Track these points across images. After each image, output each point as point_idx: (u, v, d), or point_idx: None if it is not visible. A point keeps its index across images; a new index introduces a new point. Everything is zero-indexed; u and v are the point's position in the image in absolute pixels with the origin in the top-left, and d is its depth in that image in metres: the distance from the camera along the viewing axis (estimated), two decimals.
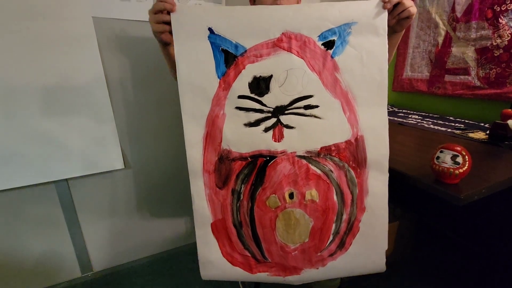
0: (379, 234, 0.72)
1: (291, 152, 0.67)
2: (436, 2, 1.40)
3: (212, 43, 0.62)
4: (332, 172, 0.69)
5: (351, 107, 0.66)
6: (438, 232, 1.38)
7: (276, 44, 0.63)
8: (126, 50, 1.12)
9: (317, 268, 0.74)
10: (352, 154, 0.68)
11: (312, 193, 0.69)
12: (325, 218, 0.71)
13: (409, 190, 0.71)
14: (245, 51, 0.63)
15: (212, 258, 0.73)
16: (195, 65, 0.63)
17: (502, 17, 1.15)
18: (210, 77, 0.63)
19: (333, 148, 0.68)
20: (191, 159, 0.68)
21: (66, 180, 1.15)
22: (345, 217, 0.71)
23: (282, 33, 0.62)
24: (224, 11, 0.63)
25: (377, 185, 0.69)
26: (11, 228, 1.12)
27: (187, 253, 1.46)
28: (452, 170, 0.62)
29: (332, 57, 0.64)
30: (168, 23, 0.62)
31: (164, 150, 1.30)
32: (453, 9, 1.33)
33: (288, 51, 0.63)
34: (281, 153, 0.67)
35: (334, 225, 0.71)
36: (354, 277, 1.09)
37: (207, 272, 0.74)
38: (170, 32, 0.63)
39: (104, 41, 1.06)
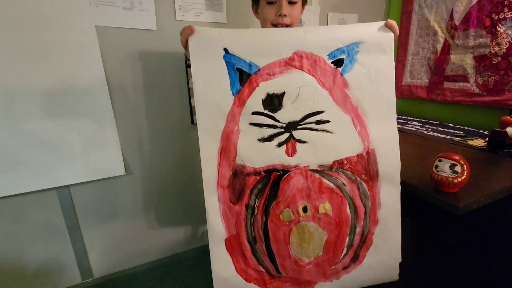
0: (392, 246, 0.72)
1: (304, 166, 0.68)
2: (435, 10, 1.42)
3: (227, 62, 0.64)
4: (345, 185, 0.69)
5: (361, 122, 0.68)
6: (438, 239, 1.38)
7: (288, 63, 0.65)
8: (128, 58, 1.13)
9: (331, 281, 0.73)
10: (364, 167, 0.69)
11: (325, 207, 0.70)
12: (339, 231, 0.71)
13: (409, 196, 0.71)
14: (259, 69, 0.65)
15: (226, 275, 0.71)
16: (210, 83, 0.65)
17: (500, 25, 1.17)
18: (225, 95, 0.65)
19: (345, 161, 0.69)
20: (206, 174, 0.67)
21: (68, 186, 1.16)
22: (358, 230, 0.71)
23: (294, 52, 0.65)
24: (239, 33, 0.66)
25: (389, 197, 0.70)
26: (12, 234, 1.12)
27: (187, 259, 1.46)
28: (450, 179, 0.63)
29: (341, 74, 0.66)
30: None
31: (165, 156, 1.31)
32: (451, 17, 1.34)
33: (299, 69, 0.66)
34: (294, 167, 0.68)
35: (348, 238, 0.72)
36: None
37: None
38: None
39: (107, 49, 1.08)
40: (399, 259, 0.73)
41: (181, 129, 1.31)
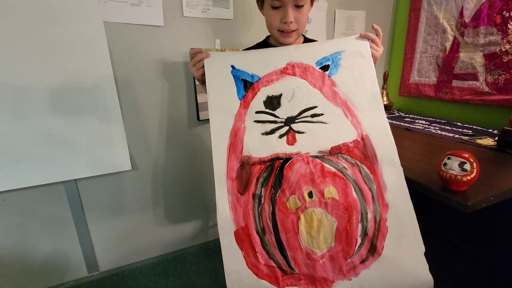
0: (411, 233, 0.68)
1: (305, 153, 0.74)
2: (444, 8, 1.40)
3: (234, 76, 0.80)
4: (346, 169, 0.73)
5: (352, 112, 0.76)
6: (445, 239, 1.37)
7: (283, 72, 0.79)
8: (135, 53, 1.14)
9: (350, 279, 0.70)
10: (362, 152, 0.73)
11: (330, 190, 0.72)
12: (349, 217, 0.70)
13: (415, 195, 0.71)
14: (259, 78, 0.79)
15: (238, 269, 0.71)
16: (221, 92, 0.80)
17: (511, 22, 1.15)
18: (232, 99, 0.79)
19: (342, 147, 0.74)
20: (217, 167, 0.76)
21: (75, 180, 1.17)
22: (370, 215, 0.70)
23: (287, 63, 0.79)
24: (242, 53, 0.86)
25: (393, 179, 0.71)
26: (20, 227, 1.14)
27: (192, 254, 1.47)
28: (459, 177, 0.62)
29: (329, 76, 0.78)
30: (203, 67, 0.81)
31: (171, 152, 1.32)
32: (461, 15, 1.32)
33: (293, 75, 0.78)
34: (296, 154, 0.75)
35: (360, 226, 0.70)
36: None
37: (233, 285, 0.72)
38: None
39: (114, 44, 1.09)
40: (423, 249, 0.68)
41: (188, 125, 1.31)
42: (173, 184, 1.37)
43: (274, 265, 0.72)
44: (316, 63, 0.79)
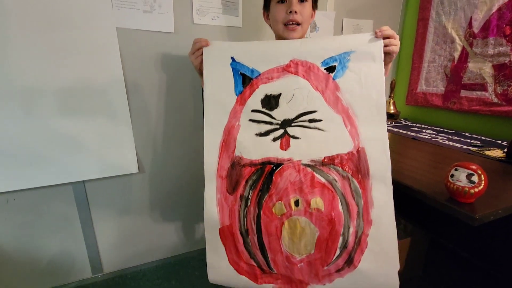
0: (389, 251, 0.70)
1: (297, 160, 0.73)
2: (453, 18, 1.40)
3: (233, 69, 0.75)
4: (336, 181, 0.71)
5: (351, 122, 0.72)
6: (451, 251, 1.34)
7: (285, 69, 0.74)
8: (145, 59, 1.17)
9: (324, 284, 0.73)
10: (355, 165, 0.71)
11: (317, 201, 0.71)
12: (331, 229, 0.71)
13: (421, 206, 0.70)
14: (259, 74, 0.75)
15: (220, 264, 0.76)
16: (218, 85, 0.76)
17: None
18: (229, 95, 0.75)
19: (336, 158, 0.72)
20: (208, 164, 0.76)
21: (83, 182, 1.19)
22: (352, 230, 0.70)
23: (290, 60, 0.74)
24: (244, 45, 0.77)
25: (381, 197, 0.70)
26: (28, 226, 1.16)
27: (195, 259, 1.47)
28: (467, 189, 0.61)
29: (333, 79, 0.73)
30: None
31: (178, 156, 1.33)
32: (470, 25, 1.32)
33: (295, 74, 0.74)
34: (288, 160, 0.73)
35: (341, 238, 0.71)
36: None
37: (214, 276, 0.78)
38: None
39: (126, 49, 1.11)
40: (397, 267, 0.70)
41: (195, 129, 1.33)
42: (179, 187, 1.38)
43: (254, 264, 0.75)
44: (322, 62, 0.73)
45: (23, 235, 1.16)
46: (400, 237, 0.71)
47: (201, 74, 0.79)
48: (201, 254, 1.50)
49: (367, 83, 0.71)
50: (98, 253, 1.31)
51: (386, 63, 0.74)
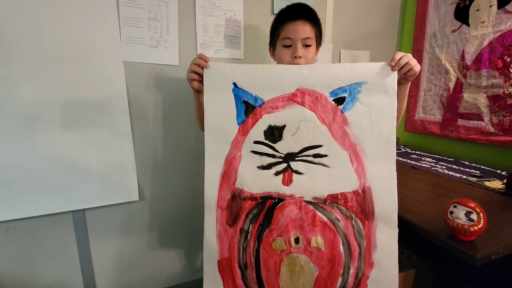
0: None
1: (299, 197, 0.71)
2: (446, 50, 1.45)
3: (235, 95, 0.71)
4: (339, 221, 0.70)
5: (359, 159, 0.69)
6: (456, 283, 1.30)
7: (291, 98, 0.70)
8: (150, 89, 1.21)
9: None
10: (360, 205, 0.69)
11: (317, 240, 0.70)
12: (331, 269, 0.70)
13: (424, 239, 0.70)
14: (263, 102, 0.71)
15: None
16: (219, 113, 0.72)
17: None
18: (231, 124, 0.72)
19: (339, 196, 0.70)
20: (208, 194, 0.73)
21: (83, 210, 1.19)
22: (352, 271, 0.69)
23: (297, 89, 0.70)
24: (248, 69, 0.72)
25: (385, 240, 0.68)
26: (25, 255, 1.14)
27: None
28: (466, 227, 0.61)
29: (342, 112, 0.70)
30: (200, 75, 0.73)
31: (178, 185, 1.34)
32: (462, 57, 1.37)
33: (301, 104, 0.70)
34: (289, 196, 0.71)
35: (340, 279, 0.70)
36: None
37: None
38: (200, 82, 0.73)
39: (131, 81, 1.16)
40: None
41: (196, 158, 1.34)
42: (179, 217, 1.37)
43: None
44: (330, 93, 0.69)
45: (21, 263, 1.14)
46: (404, 268, 0.69)
47: (196, 91, 0.77)
48: (199, 285, 1.45)
49: (378, 118, 0.68)
50: (94, 282, 1.28)
51: (404, 83, 0.73)
